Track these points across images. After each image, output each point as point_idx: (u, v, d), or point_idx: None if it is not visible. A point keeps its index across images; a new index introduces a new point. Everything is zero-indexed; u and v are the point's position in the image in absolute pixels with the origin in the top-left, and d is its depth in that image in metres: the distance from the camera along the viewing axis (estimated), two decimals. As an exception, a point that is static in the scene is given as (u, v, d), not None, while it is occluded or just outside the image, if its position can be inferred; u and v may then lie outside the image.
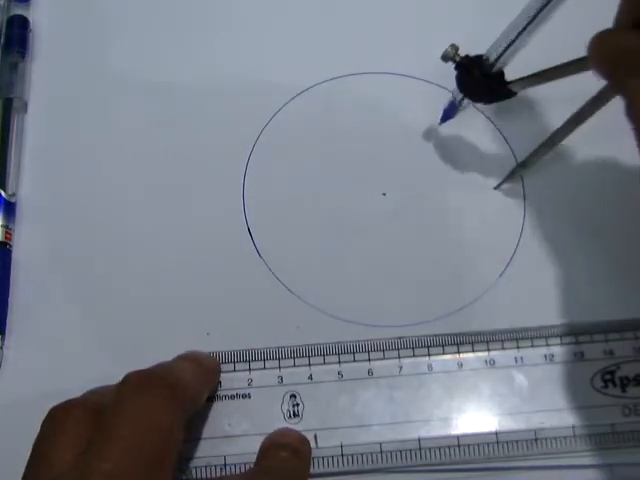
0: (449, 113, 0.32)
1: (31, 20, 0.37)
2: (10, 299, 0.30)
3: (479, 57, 0.29)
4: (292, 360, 0.28)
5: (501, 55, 0.28)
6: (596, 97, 0.27)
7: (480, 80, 0.29)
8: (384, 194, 0.33)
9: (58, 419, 0.23)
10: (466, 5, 0.37)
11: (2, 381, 0.28)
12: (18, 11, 0.36)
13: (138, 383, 0.23)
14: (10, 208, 0.31)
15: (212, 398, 0.27)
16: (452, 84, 0.31)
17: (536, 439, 0.27)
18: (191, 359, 0.27)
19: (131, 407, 0.22)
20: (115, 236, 0.31)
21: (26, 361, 0.29)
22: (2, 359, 0.29)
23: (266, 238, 0.32)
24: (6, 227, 0.31)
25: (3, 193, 0.31)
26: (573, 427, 0.27)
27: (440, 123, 0.33)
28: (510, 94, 0.30)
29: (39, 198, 0.32)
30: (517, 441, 0.27)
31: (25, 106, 0.34)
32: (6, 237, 0.31)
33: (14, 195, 0.32)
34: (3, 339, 0.29)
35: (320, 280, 0.31)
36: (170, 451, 0.22)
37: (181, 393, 0.23)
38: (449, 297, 0.30)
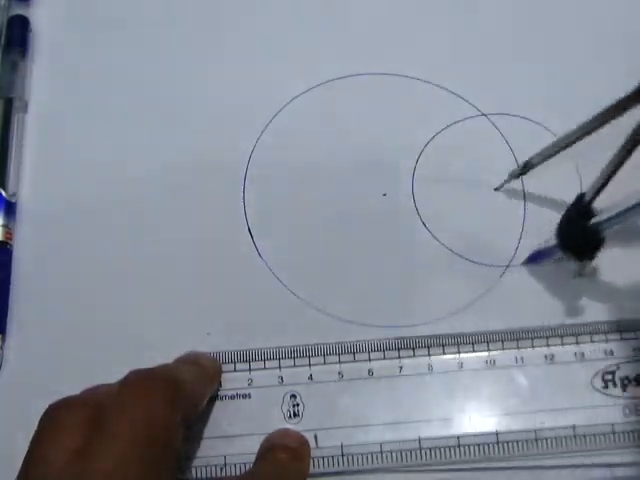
0: (536, 258, 0.31)
1: (31, 20, 0.37)
2: (10, 299, 0.30)
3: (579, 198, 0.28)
4: (292, 360, 0.28)
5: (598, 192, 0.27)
6: (613, 106, 0.26)
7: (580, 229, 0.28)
8: (384, 194, 0.33)
9: (56, 416, 0.22)
10: (464, 5, 0.37)
11: (2, 381, 0.28)
12: (18, 11, 0.36)
13: (138, 382, 0.23)
14: (10, 208, 0.31)
15: (212, 398, 0.27)
16: (451, 84, 0.31)
17: (536, 439, 0.27)
18: (192, 361, 0.27)
19: (131, 406, 0.22)
20: (115, 236, 0.31)
21: (26, 361, 0.29)
22: (2, 359, 0.29)
23: (266, 238, 0.32)
24: (6, 227, 0.31)
25: (3, 193, 0.31)
26: (573, 427, 0.27)
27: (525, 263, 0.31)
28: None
29: (39, 198, 0.32)
30: (517, 441, 0.27)
31: (25, 106, 0.34)
32: (6, 237, 0.31)
33: (14, 195, 0.32)
34: (3, 339, 0.29)
35: (320, 280, 0.31)
36: (170, 451, 0.22)
37: (181, 393, 0.23)
38: (449, 297, 0.30)
